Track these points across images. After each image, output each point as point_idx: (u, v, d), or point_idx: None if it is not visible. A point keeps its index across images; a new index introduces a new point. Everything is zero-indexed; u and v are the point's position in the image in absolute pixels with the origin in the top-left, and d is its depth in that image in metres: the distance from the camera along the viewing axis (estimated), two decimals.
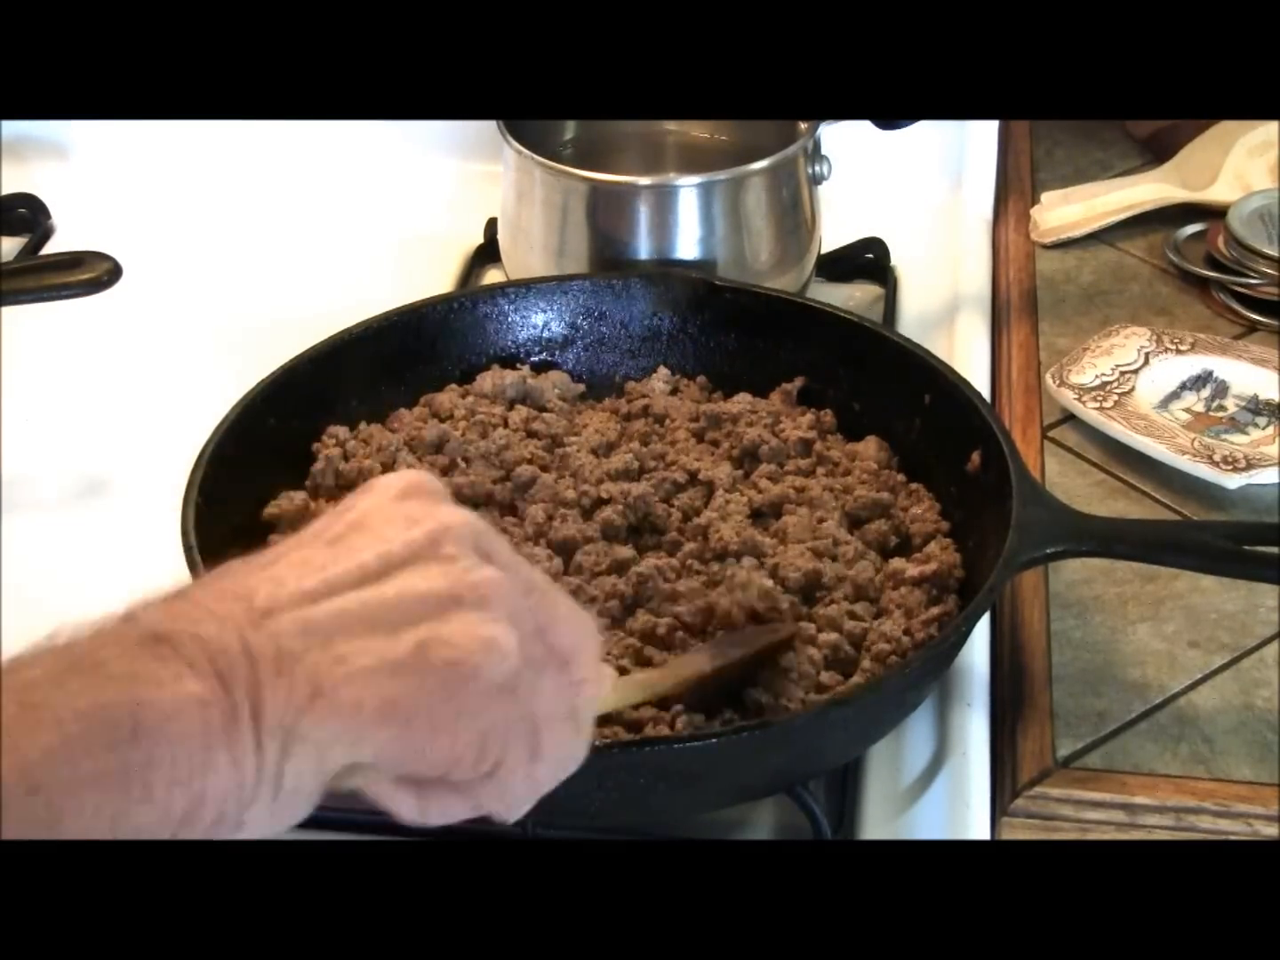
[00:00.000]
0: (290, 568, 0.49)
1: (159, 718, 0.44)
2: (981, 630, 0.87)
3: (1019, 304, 1.15)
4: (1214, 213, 1.19)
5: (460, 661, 0.48)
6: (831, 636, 0.79)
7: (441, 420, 0.95)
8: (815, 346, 0.97)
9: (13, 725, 0.43)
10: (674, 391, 0.99)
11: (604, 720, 0.76)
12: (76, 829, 0.43)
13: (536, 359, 1.00)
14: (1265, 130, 1.22)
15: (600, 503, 0.88)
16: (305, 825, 0.78)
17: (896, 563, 0.85)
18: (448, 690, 0.48)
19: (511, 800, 0.53)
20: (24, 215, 1.28)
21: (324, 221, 1.29)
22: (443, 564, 0.50)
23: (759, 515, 0.88)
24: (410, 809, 0.52)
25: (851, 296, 1.19)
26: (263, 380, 0.90)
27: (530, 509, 0.87)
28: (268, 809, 0.47)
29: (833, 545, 0.85)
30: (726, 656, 0.75)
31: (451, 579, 0.49)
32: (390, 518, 0.51)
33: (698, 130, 1.20)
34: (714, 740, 0.71)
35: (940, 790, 0.80)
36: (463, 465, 0.91)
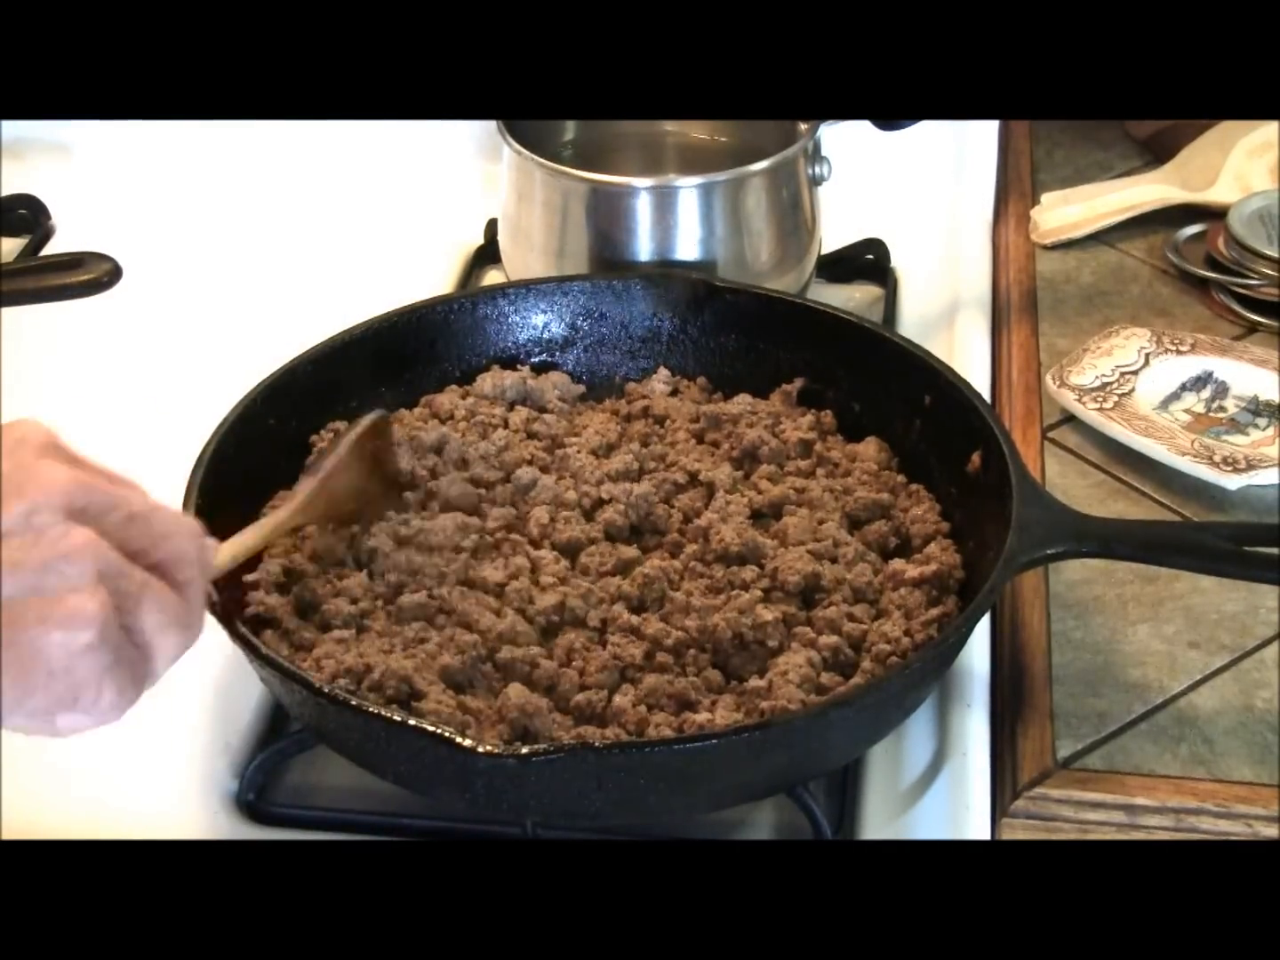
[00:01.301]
0: None
1: None
2: (982, 631, 0.87)
3: (1019, 305, 1.15)
4: (1214, 214, 1.19)
5: (45, 635, 0.55)
6: (831, 638, 0.80)
7: (442, 421, 0.95)
8: (815, 347, 0.97)
9: None
10: (674, 392, 0.99)
11: (602, 722, 0.76)
12: None
13: (536, 360, 1.00)
14: (1265, 131, 1.22)
15: (601, 503, 0.88)
16: (306, 826, 0.79)
17: (896, 564, 0.85)
18: (36, 658, 0.55)
19: (120, 709, 0.58)
20: (24, 216, 1.28)
21: (324, 222, 1.29)
22: (35, 534, 0.55)
23: (759, 516, 0.88)
24: (41, 732, 0.58)
25: (851, 297, 1.19)
26: (263, 380, 0.90)
27: (534, 511, 0.87)
28: None
29: (833, 547, 0.85)
30: (326, 466, 0.82)
31: (41, 550, 0.55)
32: None
33: (698, 131, 1.20)
34: (714, 740, 0.71)
35: (940, 791, 0.80)
36: (462, 465, 0.91)
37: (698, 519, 0.87)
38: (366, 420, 0.86)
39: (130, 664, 0.58)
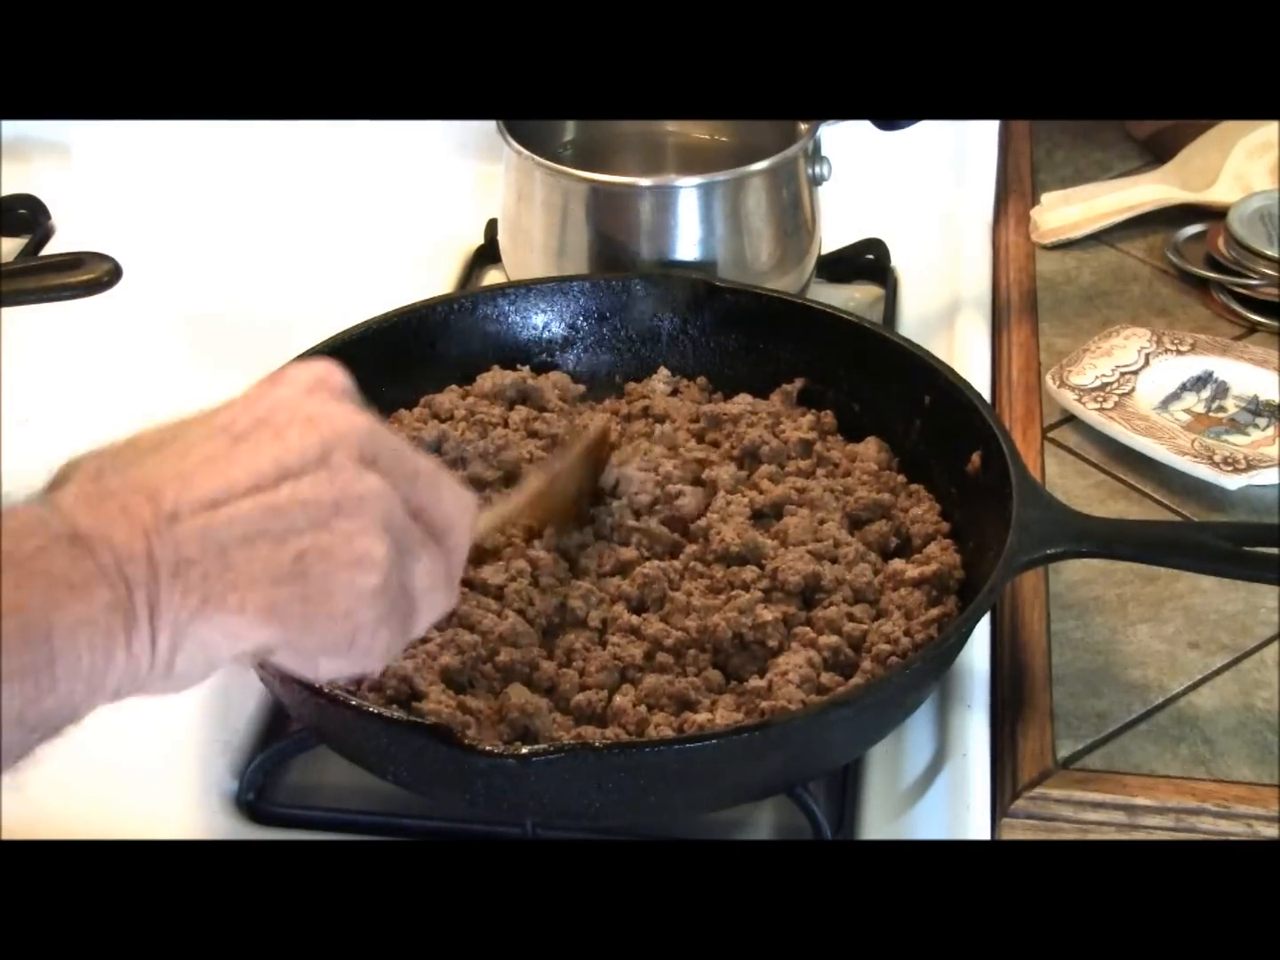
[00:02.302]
0: (197, 466, 0.55)
1: (72, 622, 0.50)
2: (982, 631, 0.87)
3: (1019, 305, 1.15)
4: (1214, 214, 1.19)
5: (333, 573, 0.55)
6: (831, 638, 0.80)
7: (441, 421, 0.95)
8: (815, 347, 0.97)
9: None
10: (674, 392, 0.99)
11: (602, 722, 0.76)
12: None
13: (536, 360, 1.00)
14: (1265, 131, 1.22)
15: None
16: (306, 826, 0.79)
17: (896, 564, 0.85)
18: (322, 596, 0.55)
19: (384, 660, 0.59)
20: (24, 215, 1.28)
21: (324, 222, 1.29)
22: (331, 472, 0.55)
23: (760, 516, 0.88)
24: (301, 673, 0.58)
25: (852, 297, 1.19)
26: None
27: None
28: (159, 687, 0.54)
29: (833, 547, 0.85)
30: (554, 468, 0.84)
31: (336, 488, 0.55)
32: (292, 418, 0.56)
33: (698, 131, 1.20)
34: (714, 740, 0.71)
35: (940, 791, 0.80)
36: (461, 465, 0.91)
37: (698, 519, 0.87)
38: (598, 425, 0.89)
39: (401, 617, 0.58)
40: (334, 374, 0.60)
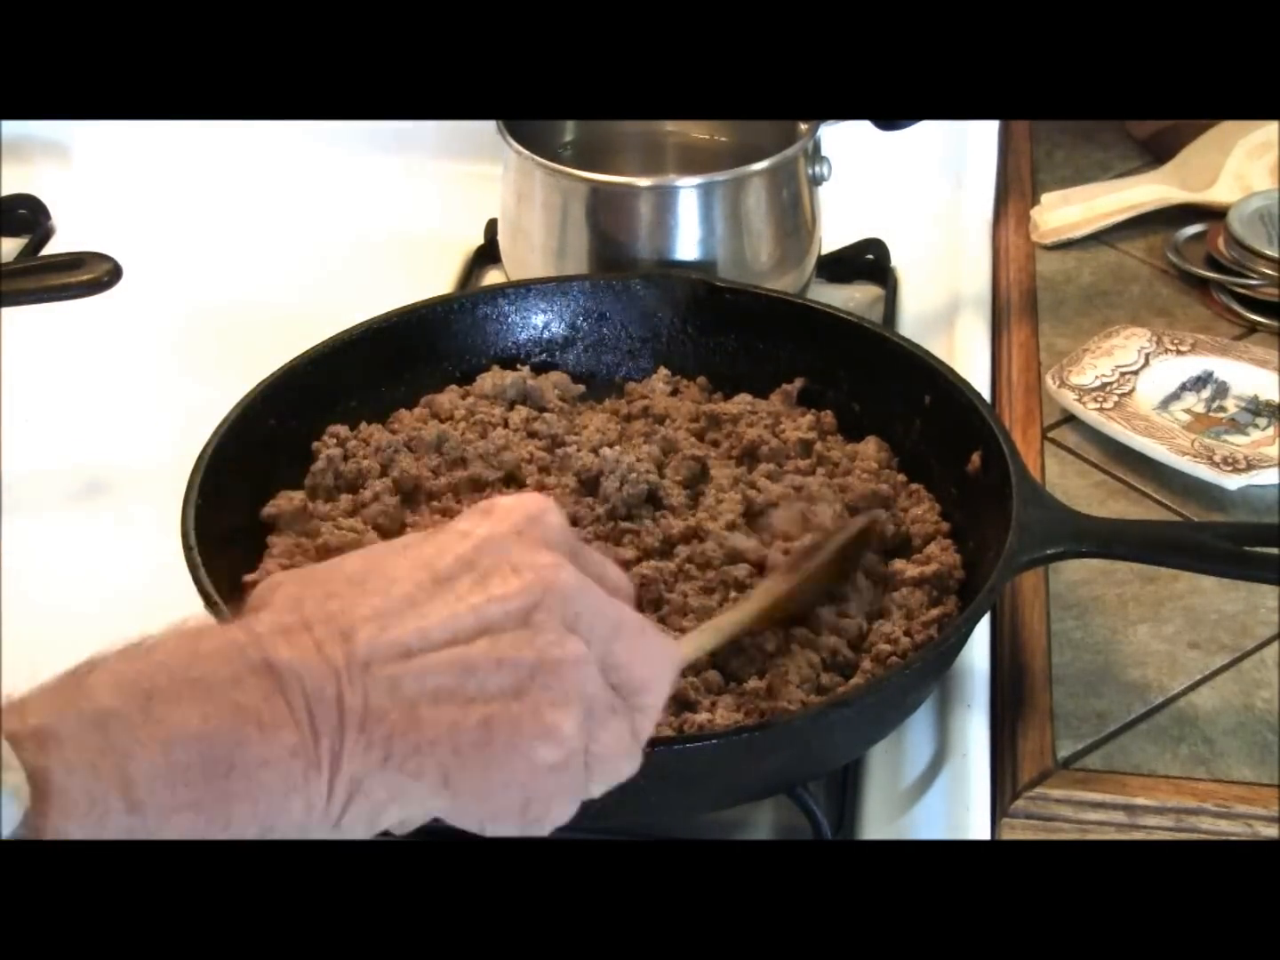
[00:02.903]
0: (396, 607, 0.53)
1: (255, 762, 0.49)
2: (982, 631, 0.87)
3: (1019, 305, 1.15)
4: (1214, 214, 1.19)
5: (517, 744, 0.53)
6: (831, 640, 0.80)
7: (441, 421, 0.95)
8: (815, 347, 0.97)
9: (125, 734, 0.47)
10: (674, 392, 0.99)
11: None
12: (161, 839, 0.48)
13: (536, 360, 1.00)
14: (1265, 131, 1.22)
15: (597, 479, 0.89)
16: None
17: (896, 564, 0.85)
18: (501, 767, 0.53)
19: (557, 824, 0.57)
20: (24, 216, 1.28)
21: (324, 222, 1.29)
22: (532, 632, 0.53)
23: (759, 514, 0.88)
24: (469, 828, 0.56)
25: (851, 297, 1.19)
26: (263, 380, 0.90)
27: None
28: (321, 834, 0.52)
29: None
30: (801, 570, 0.78)
31: (534, 651, 0.53)
32: (498, 564, 0.54)
33: (698, 131, 1.20)
34: (714, 741, 0.71)
35: (940, 791, 0.80)
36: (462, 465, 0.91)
37: (690, 519, 0.87)
38: (859, 523, 0.82)
39: (579, 785, 0.56)
40: (548, 513, 0.58)
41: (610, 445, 0.92)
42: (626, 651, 0.56)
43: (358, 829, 0.53)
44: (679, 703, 0.77)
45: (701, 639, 0.72)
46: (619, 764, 0.57)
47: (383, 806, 0.53)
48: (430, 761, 0.52)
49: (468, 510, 0.58)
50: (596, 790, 0.57)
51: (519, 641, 0.53)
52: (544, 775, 0.54)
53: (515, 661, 0.53)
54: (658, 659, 0.58)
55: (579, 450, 0.92)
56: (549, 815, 0.56)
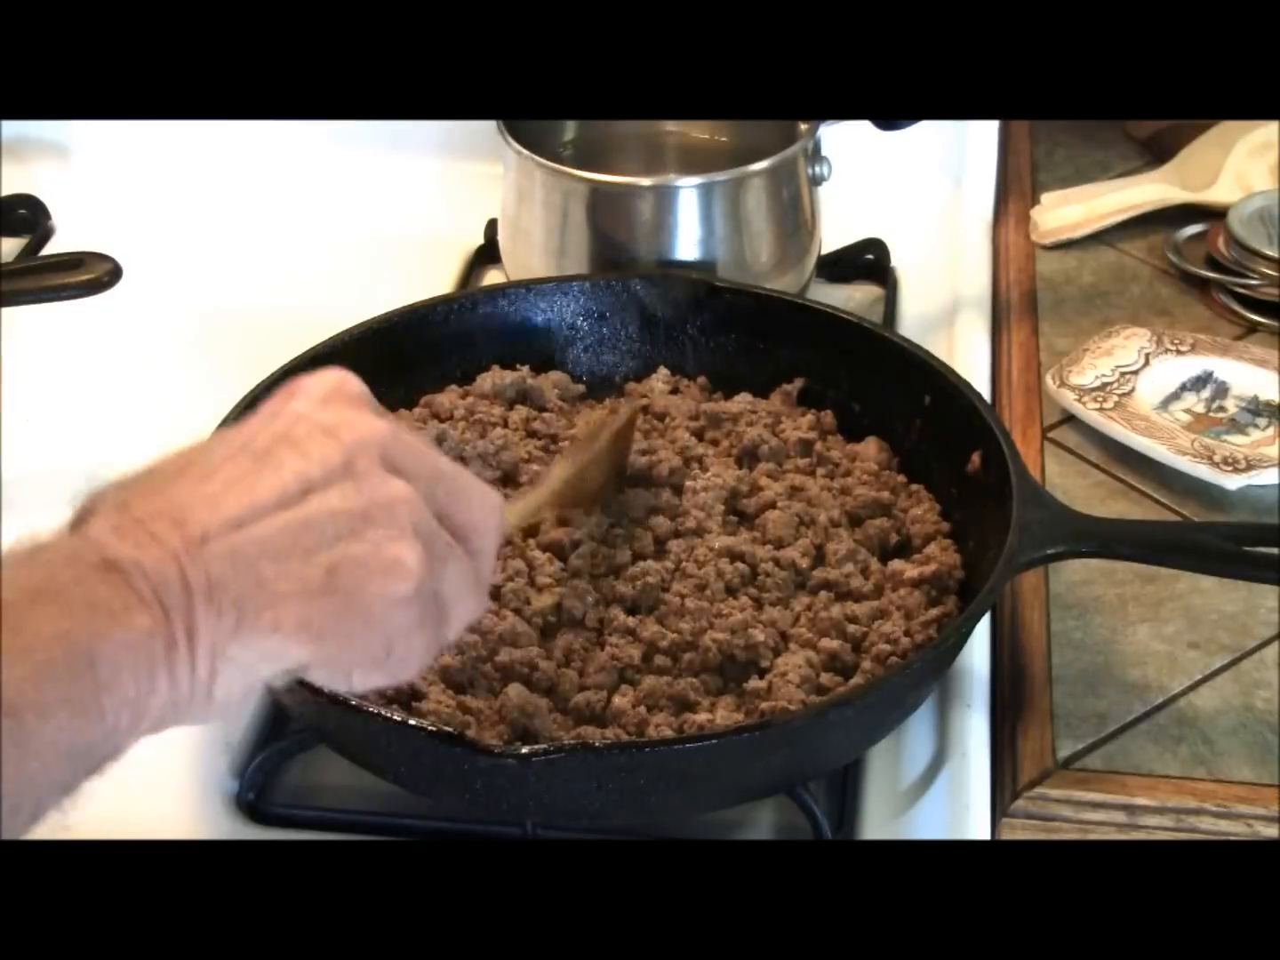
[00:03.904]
0: (221, 488, 0.54)
1: (114, 649, 0.50)
2: (981, 631, 0.87)
3: (1019, 305, 1.15)
4: (1214, 214, 1.19)
5: (366, 583, 0.55)
6: (831, 640, 0.80)
7: (441, 421, 0.95)
8: (815, 347, 0.97)
9: None
10: (674, 392, 0.99)
11: (602, 722, 0.76)
12: (40, 745, 0.49)
13: (536, 360, 1.00)
14: (1265, 131, 1.22)
15: None
16: (306, 826, 0.79)
17: (896, 564, 0.85)
18: (356, 607, 0.55)
19: (419, 669, 0.59)
20: (24, 216, 1.28)
21: (324, 222, 1.29)
22: (356, 481, 0.55)
23: (745, 516, 0.89)
24: (338, 686, 0.59)
25: (851, 297, 1.18)
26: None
27: None
28: (201, 714, 0.53)
29: (818, 544, 0.85)
30: (581, 457, 0.84)
31: (363, 498, 0.55)
32: (311, 430, 0.56)
33: (698, 130, 1.20)
34: (714, 740, 0.71)
35: (940, 791, 0.80)
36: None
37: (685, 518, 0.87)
38: (626, 412, 0.89)
39: (435, 623, 0.58)
40: (348, 381, 0.59)
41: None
42: (449, 495, 0.58)
43: (233, 697, 0.54)
44: (679, 703, 0.77)
45: (513, 511, 0.75)
46: (468, 602, 0.59)
47: (252, 669, 0.54)
48: (284, 613, 0.53)
49: (274, 393, 0.59)
50: (453, 632, 0.59)
51: (346, 491, 0.55)
52: (399, 612, 0.55)
53: (346, 509, 0.55)
54: (482, 502, 0.60)
55: None
56: (412, 655, 0.57)
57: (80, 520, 0.54)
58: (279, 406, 0.58)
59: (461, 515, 0.59)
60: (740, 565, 0.83)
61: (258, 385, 0.89)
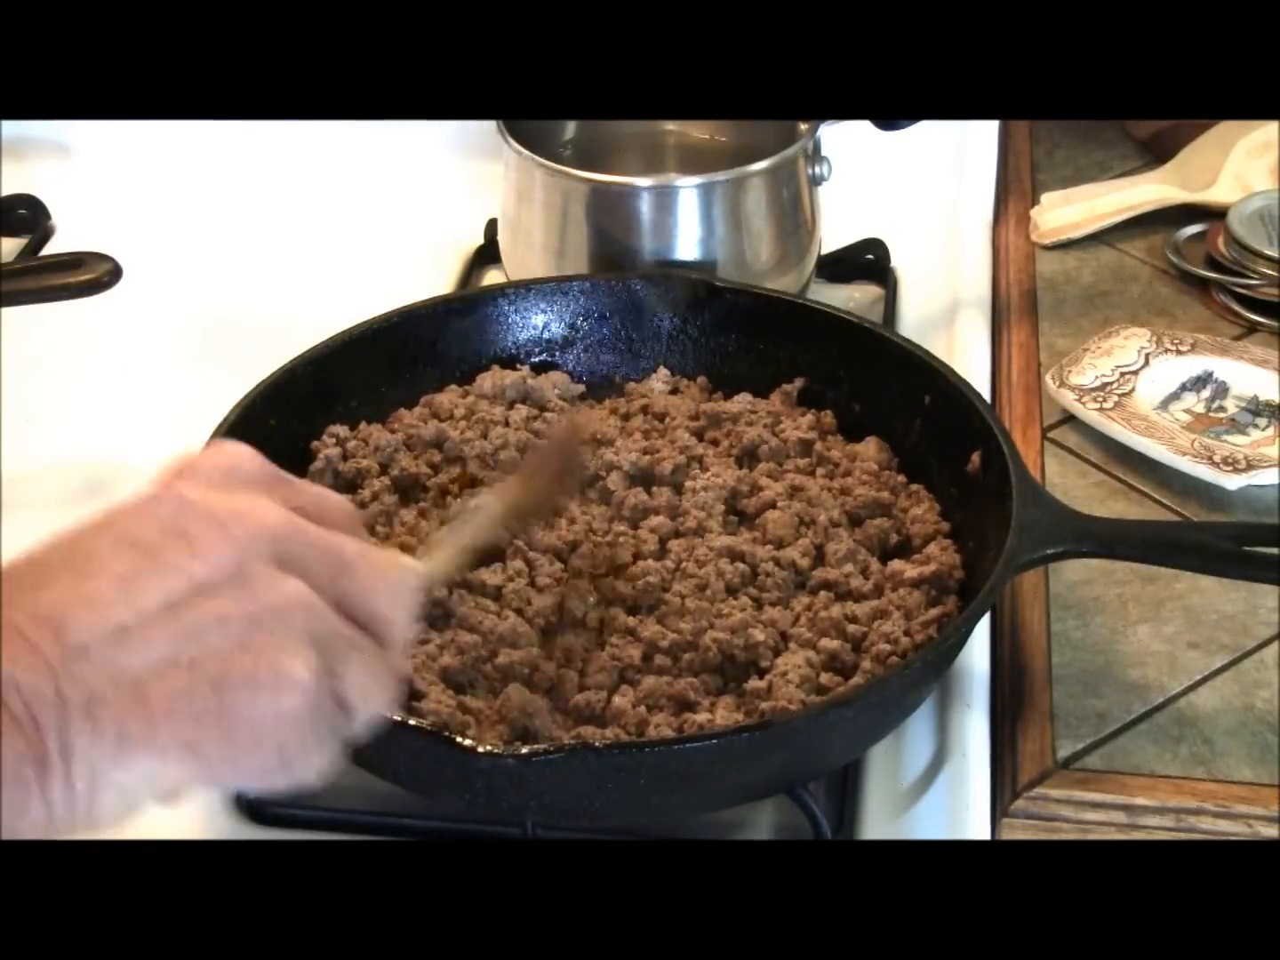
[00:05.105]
0: (105, 586, 0.51)
1: None
2: (981, 631, 0.87)
3: (1019, 305, 1.15)
4: (1214, 214, 1.19)
5: (255, 698, 0.51)
6: (831, 640, 0.80)
7: (441, 420, 0.95)
8: (815, 347, 0.97)
9: None
10: (674, 392, 0.99)
11: (602, 722, 0.76)
12: None
13: (536, 359, 1.00)
14: (1265, 131, 1.22)
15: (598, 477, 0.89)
16: (306, 826, 0.79)
17: (896, 564, 0.85)
18: (244, 725, 0.52)
19: (324, 767, 0.55)
20: (24, 216, 1.28)
21: (324, 222, 1.29)
22: (246, 582, 0.52)
23: (744, 516, 0.89)
24: (257, 790, 0.57)
25: (851, 297, 1.18)
26: (262, 381, 0.90)
27: None
28: (81, 830, 0.51)
29: (818, 544, 0.85)
30: (511, 489, 0.78)
31: (254, 603, 0.52)
32: (199, 522, 0.53)
33: (698, 130, 1.20)
34: (714, 740, 0.71)
35: (940, 791, 0.80)
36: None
37: (683, 518, 0.87)
38: (569, 427, 0.88)
39: (334, 729, 0.54)
40: (243, 460, 0.57)
41: (610, 444, 0.92)
42: (354, 584, 0.55)
43: (118, 815, 0.51)
44: (679, 703, 0.77)
45: (445, 557, 0.70)
46: (375, 697, 0.56)
47: (135, 791, 0.51)
48: (169, 736, 0.50)
49: (162, 469, 0.56)
50: (358, 729, 0.56)
51: (236, 595, 0.52)
52: (290, 725, 0.53)
53: (234, 616, 0.52)
54: (389, 589, 0.57)
55: None
56: (308, 764, 0.54)
57: None
58: (170, 491, 0.54)
59: (367, 605, 0.55)
60: (740, 565, 0.83)
61: (258, 385, 0.90)
